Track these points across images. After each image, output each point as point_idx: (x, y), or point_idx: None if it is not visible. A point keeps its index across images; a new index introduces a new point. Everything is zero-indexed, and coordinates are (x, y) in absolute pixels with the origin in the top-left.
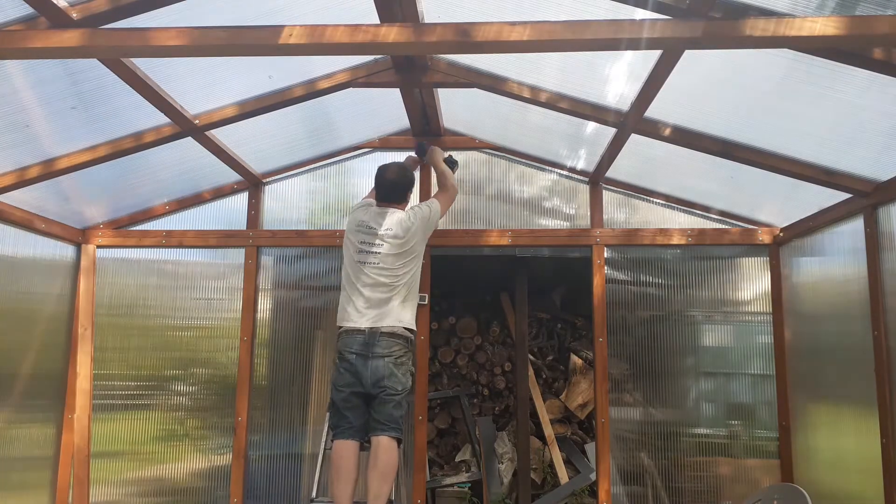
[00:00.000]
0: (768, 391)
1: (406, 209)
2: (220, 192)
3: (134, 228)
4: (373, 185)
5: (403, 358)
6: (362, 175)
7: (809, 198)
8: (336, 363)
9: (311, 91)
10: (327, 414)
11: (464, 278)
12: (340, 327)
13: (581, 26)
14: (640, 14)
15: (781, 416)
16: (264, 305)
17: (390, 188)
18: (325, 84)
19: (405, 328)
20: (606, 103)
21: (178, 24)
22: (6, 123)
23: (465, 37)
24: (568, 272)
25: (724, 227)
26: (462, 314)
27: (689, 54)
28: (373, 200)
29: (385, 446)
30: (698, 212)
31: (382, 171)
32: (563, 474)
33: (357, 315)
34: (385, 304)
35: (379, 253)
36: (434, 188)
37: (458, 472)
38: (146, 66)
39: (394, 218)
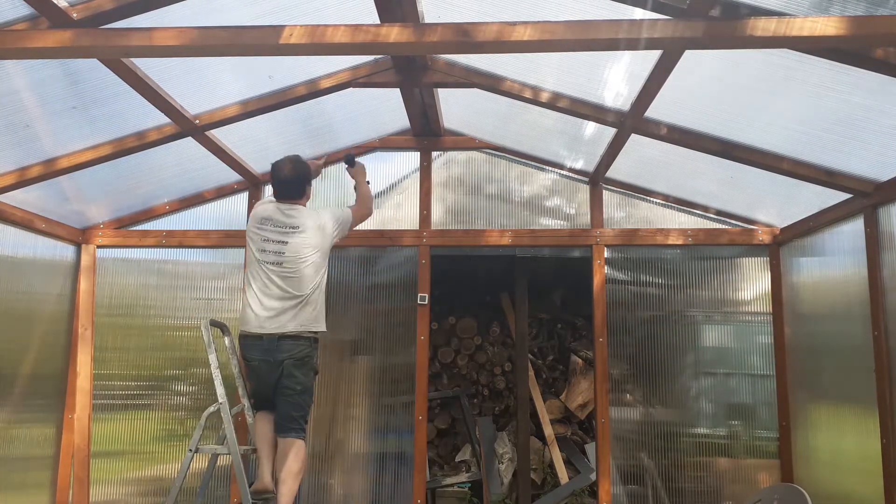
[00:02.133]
0: (768, 391)
1: (312, 208)
2: (220, 192)
3: (134, 228)
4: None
5: (306, 358)
6: None
7: (809, 198)
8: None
9: (311, 91)
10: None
11: (464, 278)
12: (242, 330)
13: (581, 26)
14: (641, 14)
15: (781, 416)
16: None
17: (289, 183)
18: (325, 84)
19: (310, 331)
20: (606, 103)
21: (178, 24)
22: (6, 123)
23: (465, 37)
24: (568, 272)
25: (724, 227)
26: (462, 314)
27: (689, 54)
28: (272, 198)
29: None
30: (698, 212)
31: (277, 168)
32: (563, 474)
33: (257, 318)
34: (290, 305)
35: (283, 252)
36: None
37: (458, 472)
38: (146, 66)
39: (299, 215)
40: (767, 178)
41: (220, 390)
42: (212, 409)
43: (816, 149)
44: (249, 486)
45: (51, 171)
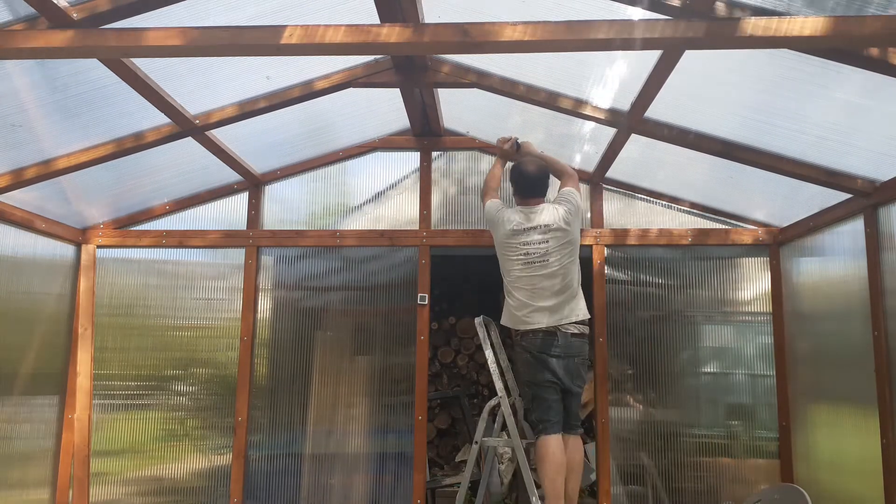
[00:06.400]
0: (768, 391)
1: (553, 202)
2: (220, 192)
3: (134, 228)
4: (508, 185)
5: (587, 356)
6: (362, 175)
7: (809, 198)
8: (530, 362)
9: (311, 91)
10: (513, 408)
11: (464, 278)
12: (518, 330)
13: (581, 26)
14: (641, 14)
15: (781, 416)
16: (264, 305)
17: (536, 182)
18: (325, 84)
19: (586, 322)
20: (606, 103)
21: (178, 24)
22: (5, 123)
23: (466, 37)
24: None
25: (724, 227)
26: (462, 314)
27: (689, 54)
28: (499, 202)
29: (576, 445)
30: (698, 212)
31: (522, 168)
32: None
33: (540, 315)
34: (566, 299)
35: (546, 251)
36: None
37: (458, 472)
38: (146, 66)
39: (550, 212)
40: (767, 178)
41: (498, 384)
42: (492, 402)
43: (816, 149)
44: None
45: (51, 171)
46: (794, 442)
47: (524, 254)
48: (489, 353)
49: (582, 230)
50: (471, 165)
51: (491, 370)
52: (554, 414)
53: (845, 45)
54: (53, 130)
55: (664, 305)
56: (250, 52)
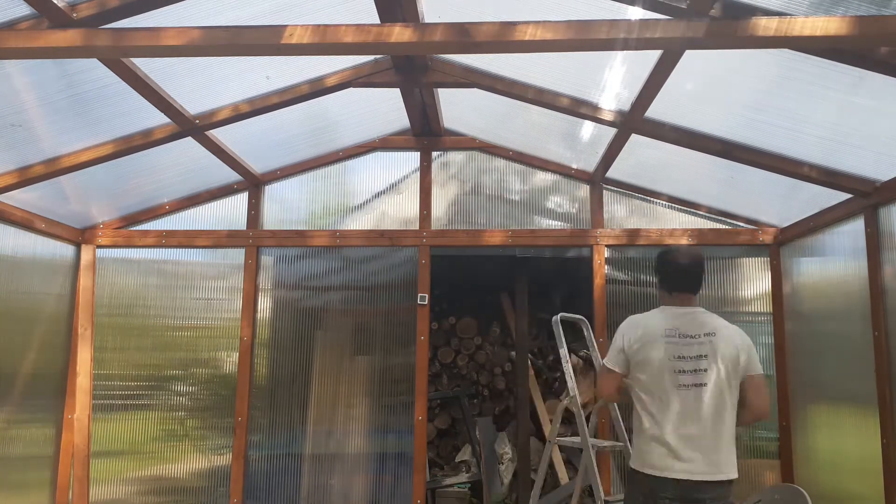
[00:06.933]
0: (768, 391)
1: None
2: (220, 192)
3: (134, 228)
4: (664, 276)
5: None
6: (362, 175)
7: (809, 198)
8: None
9: (311, 91)
10: None
11: (464, 278)
12: (639, 471)
13: (582, 26)
14: (641, 14)
15: (781, 416)
16: (264, 305)
17: (698, 275)
18: (325, 84)
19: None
20: (607, 103)
21: (178, 24)
22: (5, 123)
23: (466, 37)
24: (568, 272)
25: (724, 227)
26: (462, 314)
27: (689, 54)
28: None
29: None
30: (699, 212)
31: (677, 255)
32: (563, 474)
33: (677, 460)
34: (718, 444)
35: (708, 372)
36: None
37: (458, 472)
38: (146, 66)
39: (720, 325)
40: (768, 178)
41: (570, 383)
42: (565, 401)
43: (816, 149)
44: None
45: (51, 171)
46: (794, 442)
47: (678, 371)
48: (563, 352)
49: (582, 230)
50: (471, 165)
51: (564, 369)
52: None
53: (846, 46)
54: (52, 130)
55: None
56: (250, 52)
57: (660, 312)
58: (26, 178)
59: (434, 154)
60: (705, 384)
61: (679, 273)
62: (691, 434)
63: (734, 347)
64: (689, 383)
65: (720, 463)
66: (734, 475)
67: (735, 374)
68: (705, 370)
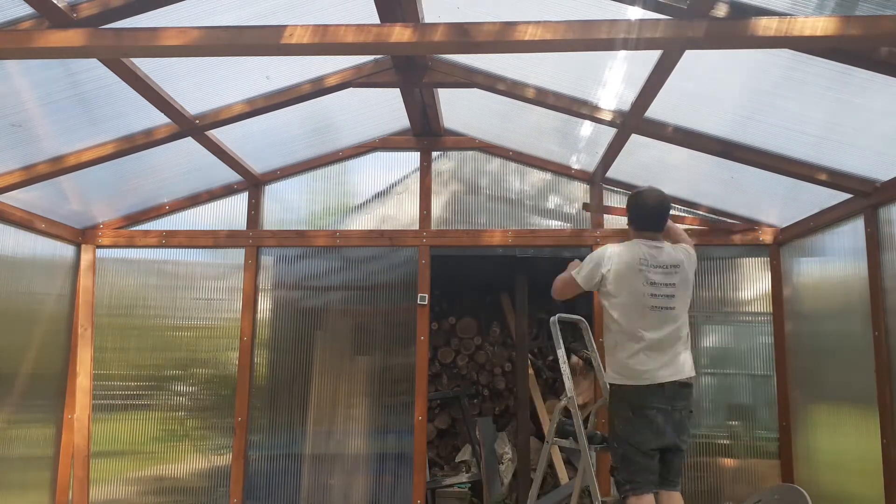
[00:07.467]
0: (768, 391)
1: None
2: (220, 192)
3: (134, 228)
4: (634, 216)
5: (692, 407)
6: (362, 175)
7: (809, 198)
8: (629, 417)
9: (311, 91)
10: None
11: (464, 278)
12: (622, 384)
13: (582, 26)
14: (641, 14)
15: (781, 416)
16: (264, 305)
17: (663, 213)
18: (325, 84)
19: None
20: (606, 103)
21: (178, 24)
22: (5, 123)
23: (466, 37)
24: None
25: (724, 227)
26: (462, 314)
27: (689, 54)
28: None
29: (679, 501)
30: (699, 212)
31: (649, 197)
32: (563, 474)
33: (656, 368)
34: (679, 351)
35: (673, 296)
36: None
37: (458, 472)
38: (146, 66)
39: (673, 252)
40: (768, 178)
41: (568, 384)
42: (562, 402)
43: (816, 149)
44: None
45: (51, 171)
46: (795, 442)
47: (650, 295)
48: (561, 353)
49: (582, 230)
50: (471, 165)
51: (562, 370)
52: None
53: (847, 46)
54: (52, 130)
55: None
56: (250, 52)
57: (634, 245)
58: (27, 178)
59: (434, 154)
60: (673, 308)
61: (647, 212)
62: (662, 345)
63: (692, 273)
64: (661, 306)
65: (685, 365)
66: (693, 374)
67: (689, 292)
68: (673, 296)
